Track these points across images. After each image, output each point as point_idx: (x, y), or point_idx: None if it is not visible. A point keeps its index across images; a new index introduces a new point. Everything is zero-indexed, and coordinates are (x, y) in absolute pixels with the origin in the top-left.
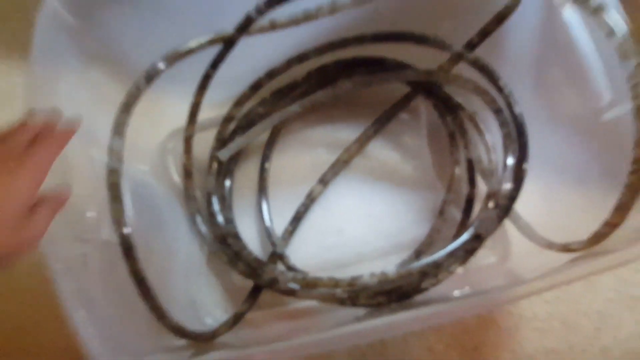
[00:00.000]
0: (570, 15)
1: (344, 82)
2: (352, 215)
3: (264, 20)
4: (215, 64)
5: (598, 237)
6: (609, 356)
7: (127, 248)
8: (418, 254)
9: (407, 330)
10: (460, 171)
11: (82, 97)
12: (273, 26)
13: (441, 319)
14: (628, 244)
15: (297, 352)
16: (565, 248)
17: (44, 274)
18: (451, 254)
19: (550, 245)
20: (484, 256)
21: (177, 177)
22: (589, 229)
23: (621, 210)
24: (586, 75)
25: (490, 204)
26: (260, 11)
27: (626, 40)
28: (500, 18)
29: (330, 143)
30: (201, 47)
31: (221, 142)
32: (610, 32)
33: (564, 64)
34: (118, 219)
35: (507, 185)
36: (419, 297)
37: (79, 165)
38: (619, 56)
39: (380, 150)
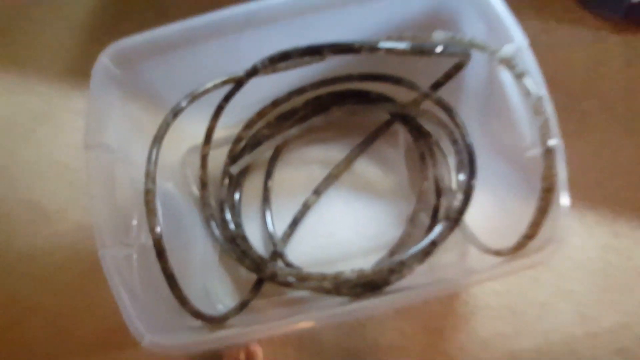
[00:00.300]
0: (505, 75)
1: (335, 110)
2: (340, 221)
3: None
4: (227, 98)
5: (519, 245)
6: (549, 338)
7: (160, 251)
8: (392, 253)
9: (378, 311)
10: (428, 185)
11: (124, 129)
12: (274, 70)
13: (402, 303)
14: (539, 249)
15: (290, 329)
16: (497, 253)
17: (77, 270)
18: (413, 256)
19: (487, 250)
20: (446, 256)
21: (195, 188)
22: (518, 237)
23: (534, 226)
24: (515, 121)
25: (444, 216)
26: (264, 64)
27: (538, 101)
28: (458, 67)
29: (323, 160)
30: (216, 87)
31: (232, 158)
32: (527, 94)
33: (500, 110)
34: (153, 228)
35: (458, 201)
36: (387, 288)
37: (124, 184)
38: (533, 113)
39: (364, 167)
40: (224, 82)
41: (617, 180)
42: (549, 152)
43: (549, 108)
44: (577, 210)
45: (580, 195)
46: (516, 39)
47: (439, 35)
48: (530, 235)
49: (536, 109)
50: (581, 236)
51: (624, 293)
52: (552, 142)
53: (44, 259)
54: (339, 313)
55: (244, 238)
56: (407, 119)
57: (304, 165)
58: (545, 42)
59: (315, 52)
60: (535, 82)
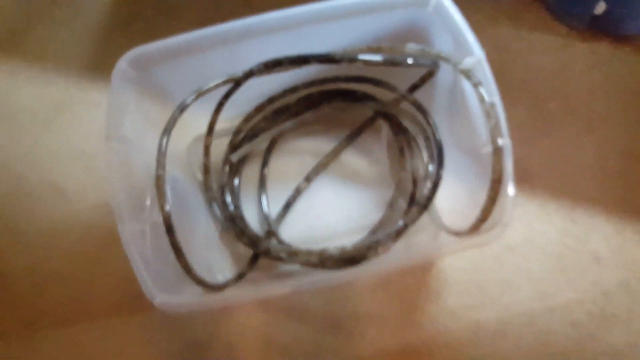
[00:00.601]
0: (466, 83)
1: (325, 107)
2: (328, 205)
3: None
4: (227, 96)
5: (474, 227)
6: (510, 310)
7: (169, 227)
8: (372, 233)
9: (350, 278)
10: (406, 175)
11: (138, 122)
12: (269, 73)
13: (371, 272)
14: (490, 231)
15: (275, 292)
16: (457, 234)
17: (94, 244)
18: (387, 235)
19: (449, 231)
20: (419, 237)
21: (199, 174)
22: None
23: (485, 212)
24: (473, 122)
25: (415, 202)
26: (260, 68)
27: (490, 107)
28: (430, 74)
29: (313, 151)
30: (217, 86)
31: (232, 148)
32: (482, 100)
33: (462, 112)
34: (163, 207)
35: (427, 189)
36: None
37: (139, 169)
38: (484, 116)
39: (350, 158)
40: (225, 82)
41: (577, 174)
42: (497, 150)
43: (499, 112)
44: (539, 199)
45: (543, 186)
46: (475, 52)
47: (411, 47)
48: (482, 219)
49: (488, 113)
50: (542, 222)
51: (578, 273)
52: (500, 141)
53: (63, 233)
54: (316, 280)
55: (242, 218)
56: (388, 116)
57: (296, 155)
58: (517, 48)
59: (303, 61)
60: (489, 91)
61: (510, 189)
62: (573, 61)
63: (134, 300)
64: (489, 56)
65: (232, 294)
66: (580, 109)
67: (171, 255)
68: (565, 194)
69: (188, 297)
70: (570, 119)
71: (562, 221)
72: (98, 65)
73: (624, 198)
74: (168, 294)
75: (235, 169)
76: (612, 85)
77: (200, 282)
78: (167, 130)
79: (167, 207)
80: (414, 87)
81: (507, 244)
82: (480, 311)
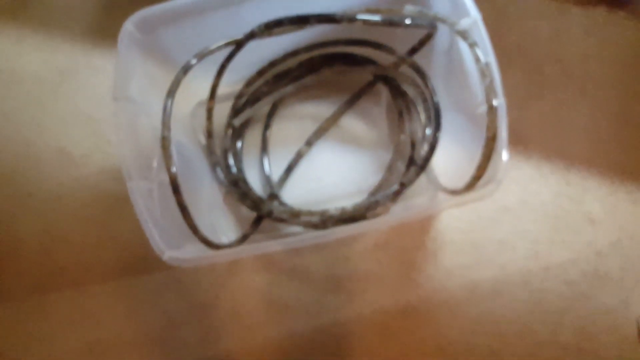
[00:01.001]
0: (462, 44)
1: (325, 71)
2: (328, 168)
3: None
4: (229, 58)
5: (469, 185)
6: (506, 269)
7: (175, 187)
8: (372, 195)
9: (356, 234)
10: (404, 138)
11: (144, 84)
12: (270, 34)
13: (375, 228)
14: (484, 186)
15: (274, 248)
16: (453, 192)
17: (101, 207)
18: (386, 195)
19: (445, 190)
20: (418, 199)
21: (202, 138)
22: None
23: (480, 169)
24: (469, 83)
25: (413, 163)
26: (261, 29)
27: (485, 66)
28: (428, 36)
29: (314, 115)
30: (219, 48)
31: (235, 112)
32: (477, 60)
33: (459, 73)
34: (169, 168)
35: (425, 150)
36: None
37: (145, 131)
38: (479, 76)
39: (350, 122)
40: (227, 44)
41: (572, 136)
42: (492, 108)
43: (494, 72)
44: (534, 161)
45: (538, 149)
46: (472, 14)
47: (409, 8)
48: (477, 176)
49: (483, 72)
50: (537, 183)
51: (573, 234)
52: (495, 101)
53: (71, 197)
54: (317, 235)
55: (245, 181)
56: (388, 79)
57: (297, 119)
58: (513, 13)
59: (303, 21)
60: (484, 51)
61: (504, 147)
62: (568, 26)
63: (140, 262)
64: (486, 20)
65: (237, 250)
66: (575, 73)
67: (177, 216)
68: (560, 156)
69: (195, 253)
70: (565, 83)
71: (556, 183)
72: (103, 29)
73: (617, 160)
74: (175, 250)
75: (238, 132)
76: (606, 50)
77: (206, 242)
78: (172, 92)
79: (174, 169)
80: (413, 50)
81: (502, 205)
82: (476, 270)
